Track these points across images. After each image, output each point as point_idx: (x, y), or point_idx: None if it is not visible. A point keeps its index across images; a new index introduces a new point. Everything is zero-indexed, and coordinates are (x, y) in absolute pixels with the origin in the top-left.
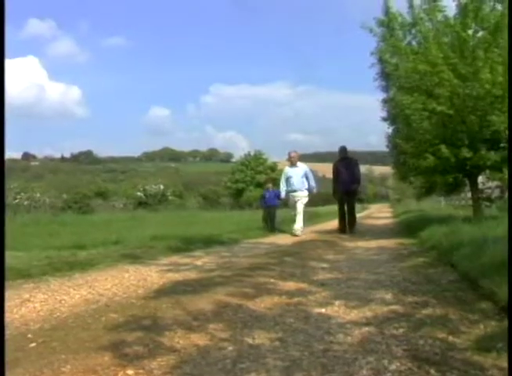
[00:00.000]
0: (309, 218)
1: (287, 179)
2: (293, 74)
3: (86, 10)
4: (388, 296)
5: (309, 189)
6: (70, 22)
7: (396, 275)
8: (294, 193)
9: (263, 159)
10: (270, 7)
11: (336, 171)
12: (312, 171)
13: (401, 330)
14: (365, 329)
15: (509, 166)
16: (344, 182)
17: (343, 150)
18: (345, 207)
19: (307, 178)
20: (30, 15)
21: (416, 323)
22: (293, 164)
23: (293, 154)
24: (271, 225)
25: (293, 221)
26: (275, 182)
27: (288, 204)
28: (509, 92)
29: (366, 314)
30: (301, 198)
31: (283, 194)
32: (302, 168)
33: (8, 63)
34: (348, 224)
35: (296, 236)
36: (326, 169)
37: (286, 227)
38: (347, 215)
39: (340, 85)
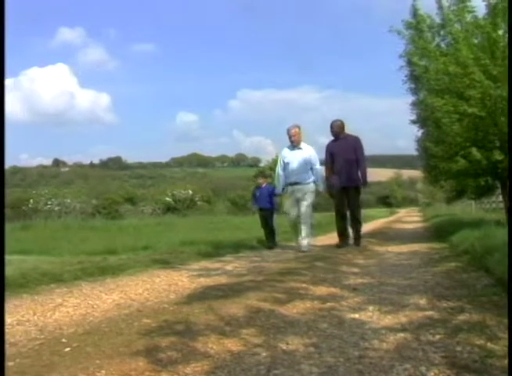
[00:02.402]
0: (327, 224)
1: (285, 167)
2: (320, 79)
3: (115, 18)
4: (422, 301)
5: (314, 182)
6: (99, 29)
7: (429, 280)
8: (295, 187)
9: None
10: (295, 13)
11: (329, 157)
12: (319, 160)
13: (437, 337)
14: (401, 335)
15: (509, 167)
16: (342, 173)
17: (337, 125)
18: (345, 210)
19: (312, 167)
20: (61, 24)
21: (452, 329)
22: (294, 146)
23: (293, 130)
24: (269, 238)
25: (294, 229)
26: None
27: (284, 204)
28: (509, 93)
29: (401, 320)
30: (306, 195)
31: (278, 189)
32: (308, 150)
33: (39, 72)
34: (352, 231)
35: (303, 252)
36: None
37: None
38: (349, 221)
39: (367, 89)
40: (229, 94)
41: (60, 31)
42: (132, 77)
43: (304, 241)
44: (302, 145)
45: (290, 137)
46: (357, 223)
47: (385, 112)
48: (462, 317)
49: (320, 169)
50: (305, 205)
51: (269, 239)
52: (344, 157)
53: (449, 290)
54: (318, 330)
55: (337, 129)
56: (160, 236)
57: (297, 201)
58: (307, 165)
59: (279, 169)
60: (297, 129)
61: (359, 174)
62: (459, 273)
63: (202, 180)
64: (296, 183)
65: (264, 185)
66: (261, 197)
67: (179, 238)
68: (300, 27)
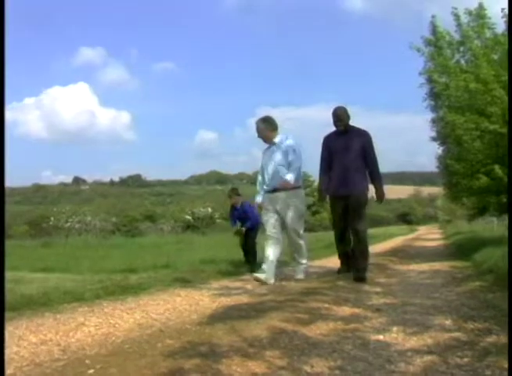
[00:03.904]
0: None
1: (263, 172)
2: (338, 96)
3: (136, 37)
4: (448, 322)
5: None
6: (120, 49)
7: (453, 300)
8: (272, 196)
9: (310, 181)
10: (314, 33)
11: (326, 154)
12: (299, 153)
13: (465, 360)
14: (428, 358)
15: (509, 170)
16: (343, 178)
17: (343, 113)
18: (343, 224)
19: (291, 163)
20: (82, 43)
21: (480, 351)
22: (267, 142)
23: (260, 126)
24: (249, 261)
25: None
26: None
27: (263, 219)
28: (509, 97)
29: (427, 341)
30: (290, 202)
31: (258, 199)
32: (284, 145)
33: (60, 91)
34: (354, 257)
35: (299, 280)
36: (373, 191)
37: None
38: (351, 241)
39: (386, 106)
40: (249, 112)
41: (81, 51)
42: (152, 96)
43: (302, 267)
44: (278, 139)
45: (257, 132)
46: (360, 246)
47: (405, 129)
48: (490, 339)
49: (297, 163)
50: (293, 217)
51: (250, 261)
52: (347, 157)
53: (475, 310)
54: (342, 352)
55: (343, 119)
56: (180, 255)
57: (278, 214)
58: (287, 165)
59: (259, 176)
60: (257, 126)
61: (366, 180)
62: (484, 293)
63: (221, 198)
64: (274, 190)
65: (239, 205)
66: (240, 217)
67: (199, 256)
68: (319, 45)
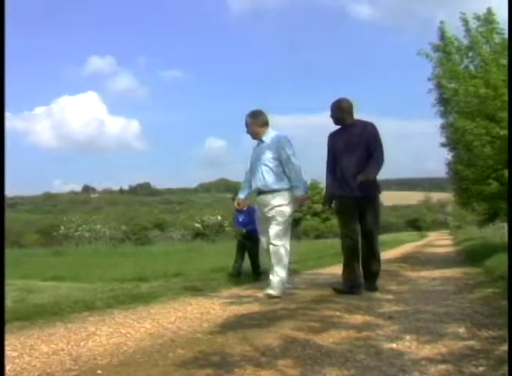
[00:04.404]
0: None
1: (250, 170)
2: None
3: (144, 46)
4: (461, 330)
5: (291, 188)
6: (129, 58)
7: (466, 307)
8: (259, 199)
9: (320, 188)
10: (322, 40)
11: (330, 156)
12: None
13: (481, 369)
14: (442, 367)
15: (509, 171)
16: (348, 179)
17: (341, 106)
18: (356, 235)
19: (283, 162)
20: (91, 52)
21: (496, 360)
22: (256, 139)
23: (249, 121)
24: (252, 267)
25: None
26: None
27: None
28: (509, 98)
29: (441, 350)
30: (274, 210)
31: (240, 195)
32: (274, 141)
33: (70, 100)
34: (365, 268)
35: (271, 297)
36: (383, 197)
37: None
38: (360, 251)
39: (395, 112)
40: None
41: (91, 60)
42: (161, 104)
43: (278, 279)
44: (266, 136)
45: (248, 129)
46: (374, 255)
47: (413, 135)
48: (504, 348)
49: (297, 165)
50: (277, 225)
51: (253, 267)
52: (351, 155)
53: (489, 318)
54: (355, 361)
55: (341, 112)
56: (190, 263)
57: (265, 219)
58: (274, 163)
59: (246, 174)
60: (246, 120)
61: (374, 181)
62: (498, 300)
63: (230, 205)
64: (261, 192)
65: (245, 208)
66: (245, 221)
67: (209, 265)
68: (327, 52)
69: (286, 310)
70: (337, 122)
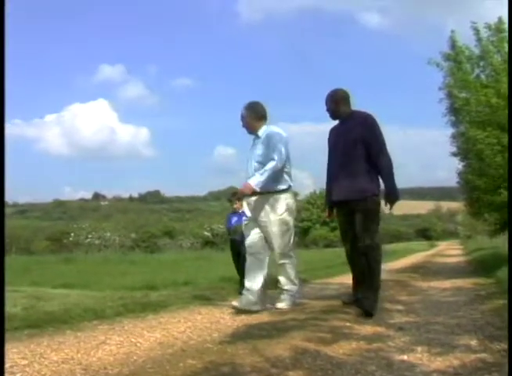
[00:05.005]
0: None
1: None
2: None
3: (154, 54)
4: (473, 342)
5: (289, 189)
6: (139, 66)
7: (478, 319)
8: (250, 200)
9: None
10: (331, 48)
11: (329, 155)
12: (285, 142)
13: None
14: None
15: (509, 172)
16: (339, 179)
17: (327, 97)
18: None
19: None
20: (102, 61)
21: (507, 374)
22: (252, 134)
23: (244, 113)
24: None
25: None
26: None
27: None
28: (509, 99)
29: (453, 362)
30: (271, 211)
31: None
32: (268, 137)
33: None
34: (359, 284)
35: (279, 309)
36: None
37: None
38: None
39: (404, 121)
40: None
41: (101, 68)
42: (171, 112)
43: (285, 294)
44: (262, 130)
45: (243, 122)
46: (368, 268)
47: (423, 144)
48: None
49: (275, 160)
50: (273, 232)
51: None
52: (343, 151)
53: (501, 330)
54: (366, 373)
55: (335, 105)
56: (200, 271)
57: (259, 225)
58: (263, 161)
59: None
60: (242, 113)
61: (373, 181)
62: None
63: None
64: (253, 193)
65: (242, 210)
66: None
67: (219, 273)
68: (337, 61)
69: (296, 320)
70: (333, 116)
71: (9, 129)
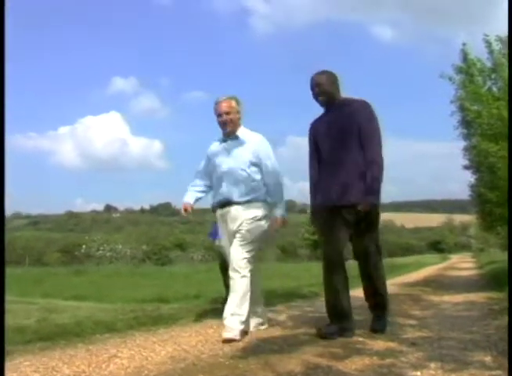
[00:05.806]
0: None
1: (211, 172)
2: None
3: (167, 67)
4: (487, 359)
5: (270, 205)
6: (151, 79)
7: (492, 334)
8: (225, 211)
9: None
10: (342, 61)
11: (313, 151)
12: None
13: None
14: None
15: (509, 173)
16: (329, 180)
17: (319, 78)
18: (340, 256)
19: (263, 171)
20: (115, 74)
21: None
22: (228, 134)
23: (224, 104)
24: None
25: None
26: None
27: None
28: (509, 104)
29: None
30: (242, 225)
31: (186, 199)
32: (252, 143)
33: (93, 120)
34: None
35: (228, 340)
36: (404, 219)
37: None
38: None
39: (416, 134)
40: (278, 141)
41: (114, 81)
42: (183, 125)
43: (237, 317)
44: (242, 132)
45: (217, 117)
46: (377, 285)
47: (436, 156)
48: None
49: (277, 176)
50: (239, 246)
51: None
52: (334, 145)
53: None
54: None
55: (322, 85)
56: (211, 284)
57: (230, 236)
58: (249, 170)
59: (195, 175)
60: (231, 103)
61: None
62: None
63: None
64: (227, 203)
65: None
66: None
67: None
68: (349, 74)
69: (308, 335)
70: (327, 101)
71: (24, 142)
